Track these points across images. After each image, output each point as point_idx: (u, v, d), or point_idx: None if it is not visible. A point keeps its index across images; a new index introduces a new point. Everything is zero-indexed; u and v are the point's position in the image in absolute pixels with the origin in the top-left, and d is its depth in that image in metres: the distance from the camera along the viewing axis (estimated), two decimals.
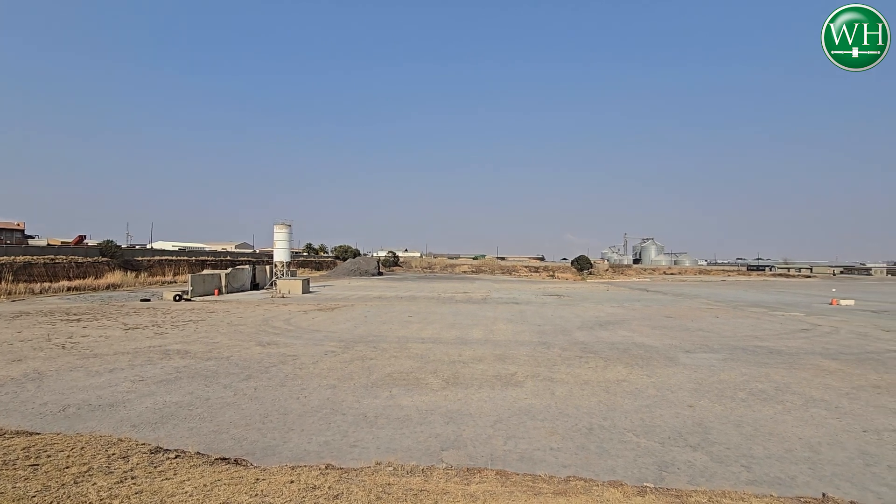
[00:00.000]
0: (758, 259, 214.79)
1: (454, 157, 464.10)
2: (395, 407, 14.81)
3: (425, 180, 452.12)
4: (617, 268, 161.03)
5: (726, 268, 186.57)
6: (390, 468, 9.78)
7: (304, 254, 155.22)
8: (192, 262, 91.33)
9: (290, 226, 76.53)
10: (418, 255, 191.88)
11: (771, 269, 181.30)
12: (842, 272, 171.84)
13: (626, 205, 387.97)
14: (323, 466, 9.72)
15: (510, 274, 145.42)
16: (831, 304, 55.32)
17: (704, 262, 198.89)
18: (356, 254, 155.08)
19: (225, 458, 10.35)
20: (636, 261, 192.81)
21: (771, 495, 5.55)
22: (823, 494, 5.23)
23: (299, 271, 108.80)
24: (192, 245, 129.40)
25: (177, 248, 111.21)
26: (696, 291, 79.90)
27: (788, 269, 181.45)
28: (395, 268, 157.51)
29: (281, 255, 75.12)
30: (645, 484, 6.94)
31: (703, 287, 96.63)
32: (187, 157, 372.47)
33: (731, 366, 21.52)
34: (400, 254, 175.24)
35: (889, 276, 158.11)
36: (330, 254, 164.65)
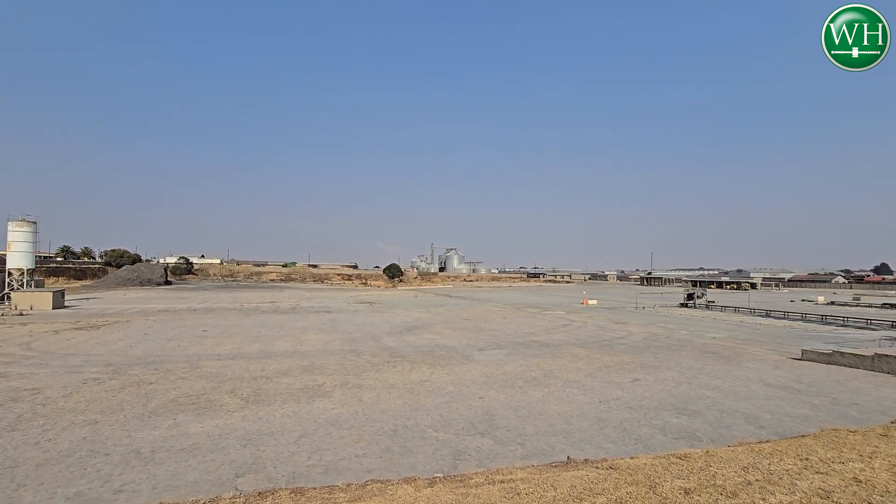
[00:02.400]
0: (534, 268, 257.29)
1: (261, 156, 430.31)
2: (181, 436, 12.85)
3: (226, 181, 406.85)
4: (425, 275, 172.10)
5: (512, 275, 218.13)
6: None
7: (59, 259, 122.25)
8: None
9: (34, 223, 59.13)
10: (218, 261, 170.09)
11: (544, 276, 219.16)
12: (589, 278, 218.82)
13: (432, 216, 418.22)
14: None
15: (323, 282, 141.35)
16: (583, 303, 69.76)
17: (496, 270, 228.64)
18: (135, 260, 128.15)
19: None
20: (441, 269, 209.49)
21: (532, 465, 6.77)
22: (568, 457, 6.62)
23: (49, 281, 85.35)
24: None
25: None
26: (489, 296, 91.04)
27: (556, 275, 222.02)
28: (188, 276, 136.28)
29: (19, 260, 57.36)
30: (436, 475, 7.61)
31: (495, 292, 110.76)
32: None
33: (513, 359, 25.16)
34: (195, 260, 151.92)
35: (619, 281, 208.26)
36: (98, 259, 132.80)
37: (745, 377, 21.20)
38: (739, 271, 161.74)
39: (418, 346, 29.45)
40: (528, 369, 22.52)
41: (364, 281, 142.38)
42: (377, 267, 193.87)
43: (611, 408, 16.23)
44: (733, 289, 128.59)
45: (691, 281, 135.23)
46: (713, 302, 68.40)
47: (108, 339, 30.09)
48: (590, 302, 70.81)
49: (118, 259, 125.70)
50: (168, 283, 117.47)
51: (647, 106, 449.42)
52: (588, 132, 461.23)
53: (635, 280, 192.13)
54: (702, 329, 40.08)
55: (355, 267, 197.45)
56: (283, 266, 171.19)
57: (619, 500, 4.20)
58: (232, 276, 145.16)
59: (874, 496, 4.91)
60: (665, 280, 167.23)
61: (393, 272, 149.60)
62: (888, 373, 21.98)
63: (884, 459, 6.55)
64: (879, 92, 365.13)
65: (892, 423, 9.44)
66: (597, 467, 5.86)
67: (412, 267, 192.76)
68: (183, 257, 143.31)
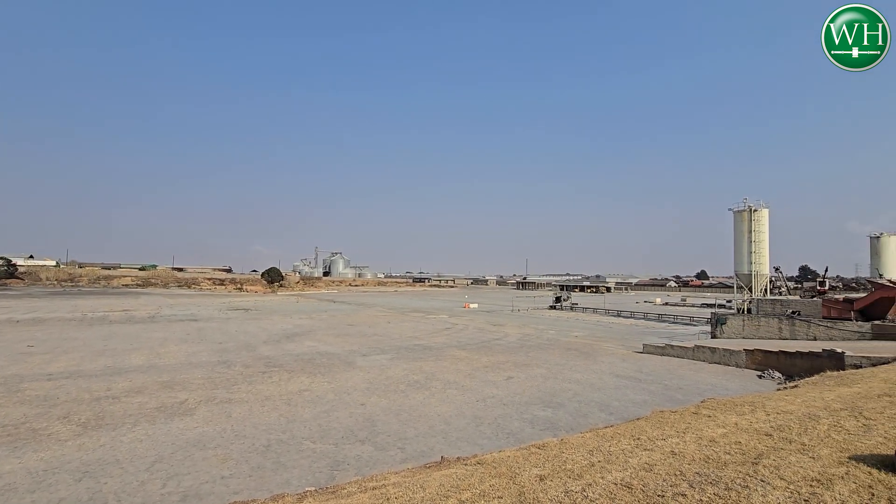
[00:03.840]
0: (420, 272, 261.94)
1: (113, 147, 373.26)
2: None
3: (58, 168, 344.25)
4: (308, 280, 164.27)
5: (398, 279, 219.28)
6: None
7: None
8: None
9: None
10: (53, 263, 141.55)
11: (429, 281, 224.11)
12: (472, 283, 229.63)
13: (317, 219, 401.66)
14: None
15: (190, 287, 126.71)
16: (465, 307, 72.86)
17: (382, 275, 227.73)
18: None
19: None
20: (326, 273, 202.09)
21: (407, 468, 6.94)
22: (441, 457, 6.92)
23: None
24: None
25: None
26: (375, 300, 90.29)
27: (440, 280, 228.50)
28: (10, 280, 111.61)
29: None
30: (307, 489, 7.36)
31: (381, 296, 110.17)
32: None
33: (396, 363, 25.31)
34: (20, 262, 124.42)
35: (498, 285, 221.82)
36: None
37: (600, 370, 24.08)
38: (598, 276, 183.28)
39: (298, 354, 28.06)
40: (411, 373, 22.85)
41: (239, 286, 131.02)
42: (254, 271, 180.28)
43: (487, 406, 17.22)
44: (593, 292, 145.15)
45: (559, 285, 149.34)
46: (577, 304, 76.46)
47: None
48: (471, 305, 74.25)
49: None
50: None
51: (530, 111, 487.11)
52: (472, 139, 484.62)
53: (512, 285, 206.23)
54: (566, 329, 44.54)
55: (229, 271, 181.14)
56: (140, 269, 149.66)
57: (482, 493, 4.54)
58: (72, 280, 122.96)
59: (684, 465, 5.96)
60: (538, 284, 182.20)
61: (272, 276, 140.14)
62: (703, 360, 26.72)
63: (693, 433, 7.98)
64: (706, 121, 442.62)
65: (702, 402, 11.56)
66: (466, 464, 6.23)
67: (294, 271, 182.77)
68: (3, 258, 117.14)
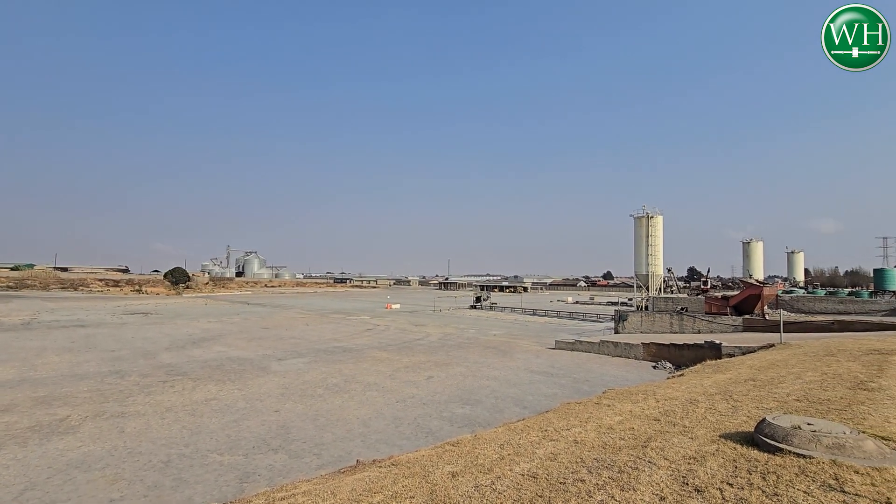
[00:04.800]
0: (341, 273, 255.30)
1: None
2: None
3: None
4: (219, 281, 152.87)
5: (318, 280, 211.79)
6: None
7: None
8: None
9: None
10: None
11: (350, 281, 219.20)
12: (394, 283, 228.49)
13: (228, 216, 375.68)
14: None
15: (77, 289, 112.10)
16: (387, 308, 72.32)
17: (301, 276, 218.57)
18: None
19: None
20: (239, 273, 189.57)
21: (321, 475, 6.77)
22: (357, 461, 6.84)
23: None
24: None
25: None
26: (293, 302, 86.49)
27: (362, 281, 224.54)
28: None
29: None
30: None
31: (299, 298, 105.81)
32: None
33: (314, 367, 24.48)
34: None
35: (420, 286, 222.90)
36: None
37: (516, 366, 25.17)
38: (516, 277, 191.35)
39: (205, 360, 26.08)
40: (330, 376, 22.24)
41: (138, 288, 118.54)
42: (156, 271, 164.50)
43: (407, 406, 17.26)
44: (511, 291, 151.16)
45: (480, 285, 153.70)
46: (496, 304, 79.22)
47: None
48: (393, 306, 73.88)
49: None
50: None
51: (448, 107, 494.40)
52: (394, 138, 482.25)
53: (435, 285, 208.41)
54: (486, 327, 45.97)
55: (126, 271, 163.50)
56: (12, 269, 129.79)
57: (395, 494, 4.58)
58: None
59: (584, 452, 6.45)
60: (460, 285, 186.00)
61: (177, 277, 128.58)
62: (607, 354, 28.99)
63: (594, 422, 8.64)
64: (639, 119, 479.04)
65: (604, 393, 12.58)
66: (381, 466, 6.23)
67: (203, 272, 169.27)
68: None
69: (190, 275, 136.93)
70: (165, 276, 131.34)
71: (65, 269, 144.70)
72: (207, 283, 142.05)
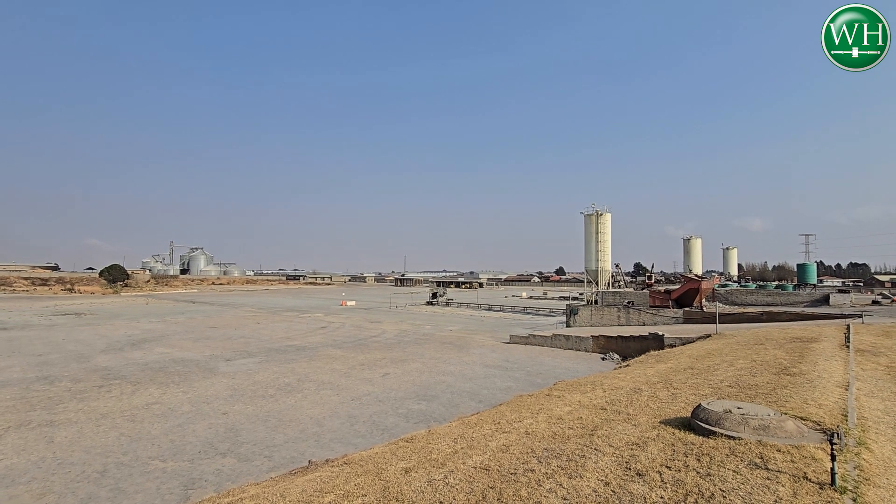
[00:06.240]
0: (294, 269, 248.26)
1: None
2: None
3: None
4: (161, 279, 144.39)
5: (270, 277, 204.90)
6: None
7: None
8: None
9: None
10: None
11: (304, 278, 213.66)
12: (349, 280, 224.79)
13: (172, 211, 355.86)
14: None
15: None
16: (342, 305, 71.10)
17: (252, 273, 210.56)
18: None
19: None
20: (184, 271, 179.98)
21: (270, 478, 6.58)
22: (309, 461, 6.70)
23: None
24: None
25: None
26: (243, 300, 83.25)
27: (316, 278, 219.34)
28: None
29: None
30: None
31: (250, 296, 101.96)
32: None
33: (265, 367, 23.72)
34: None
35: (376, 282, 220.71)
36: None
37: (472, 361, 25.48)
38: (472, 273, 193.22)
39: (146, 362, 24.65)
40: (282, 376, 21.63)
41: (70, 286, 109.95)
42: (91, 269, 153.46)
43: (362, 404, 17.08)
44: (467, 287, 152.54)
45: (436, 282, 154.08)
46: (452, 300, 79.73)
47: None
48: (349, 303, 72.71)
49: None
50: None
51: (398, 102, 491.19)
52: (349, 133, 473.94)
53: (391, 281, 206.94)
54: (442, 323, 46.20)
55: (56, 268, 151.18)
56: None
57: (346, 493, 4.53)
58: None
59: (535, 442, 6.64)
60: (416, 281, 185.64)
61: (115, 275, 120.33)
62: (559, 347, 29.93)
63: (545, 413, 8.91)
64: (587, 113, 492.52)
65: (554, 385, 13.01)
66: (333, 466, 6.15)
67: (144, 269, 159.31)
68: None
69: (129, 272, 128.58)
70: (101, 273, 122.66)
71: None
72: (149, 282, 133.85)
